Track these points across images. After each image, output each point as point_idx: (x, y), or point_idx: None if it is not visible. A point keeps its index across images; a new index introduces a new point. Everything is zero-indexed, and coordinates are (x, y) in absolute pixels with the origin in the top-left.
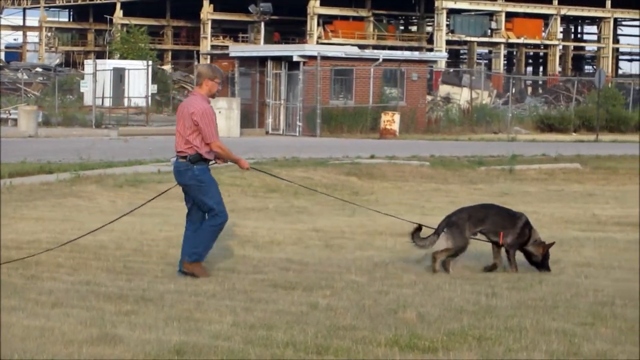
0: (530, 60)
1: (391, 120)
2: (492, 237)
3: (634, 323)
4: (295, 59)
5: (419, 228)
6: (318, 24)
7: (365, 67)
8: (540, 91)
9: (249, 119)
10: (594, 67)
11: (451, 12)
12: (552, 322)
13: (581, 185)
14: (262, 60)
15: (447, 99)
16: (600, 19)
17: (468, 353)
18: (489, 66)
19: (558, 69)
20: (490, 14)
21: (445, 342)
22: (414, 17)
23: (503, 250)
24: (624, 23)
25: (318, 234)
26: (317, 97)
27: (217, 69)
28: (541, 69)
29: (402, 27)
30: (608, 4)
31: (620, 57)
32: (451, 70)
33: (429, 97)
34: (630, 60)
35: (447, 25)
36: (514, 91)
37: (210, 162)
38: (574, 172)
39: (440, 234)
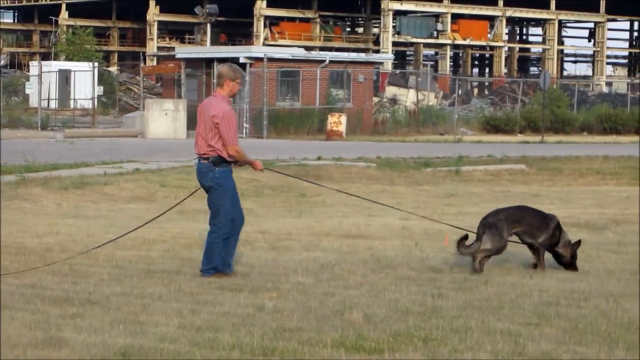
0: (476, 62)
1: (338, 122)
2: (527, 238)
3: (578, 323)
4: (241, 60)
5: (465, 237)
6: (265, 26)
7: (311, 69)
8: (486, 92)
9: (196, 120)
10: (539, 68)
11: (397, 13)
12: (498, 322)
13: (527, 186)
14: (209, 62)
15: (393, 101)
16: (545, 20)
17: (414, 354)
18: (435, 68)
19: (504, 70)
20: (436, 16)
21: (391, 343)
22: (360, 19)
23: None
24: (568, 25)
25: (264, 235)
26: (263, 99)
27: (238, 69)
28: (487, 70)
29: (348, 29)
30: (552, 5)
31: (565, 58)
32: (397, 71)
33: (375, 99)
34: (575, 62)
35: (394, 27)
36: (460, 92)
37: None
38: (519, 173)
39: (481, 238)
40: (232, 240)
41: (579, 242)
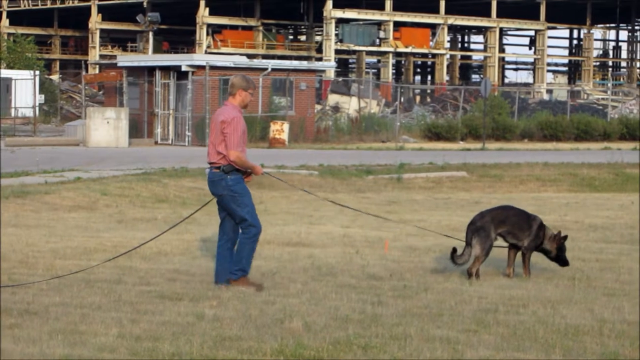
0: (419, 69)
1: (280, 130)
2: (510, 239)
3: (516, 329)
4: (183, 68)
5: (455, 250)
6: (207, 34)
7: (254, 77)
8: (428, 100)
9: (138, 129)
10: (481, 76)
11: (340, 21)
12: (437, 329)
13: (468, 193)
14: (151, 70)
15: (336, 108)
16: (487, 28)
17: None
18: (377, 75)
19: (446, 77)
20: (379, 24)
21: (331, 351)
22: (303, 27)
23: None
24: (509, 32)
25: (206, 244)
26: (206, 107)
27: (250, 80)
28: (429, 77)
29: (291, 37)
30: (494, 14)
31: (506, 66)
32: (340, 79)
33: (317, 107)
34: (516, 69)
35: (336, 35)
36: (402, 100)
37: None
38: (460, 181)
39: (471, 243)
40: (229, 253)
41: (565, 237)
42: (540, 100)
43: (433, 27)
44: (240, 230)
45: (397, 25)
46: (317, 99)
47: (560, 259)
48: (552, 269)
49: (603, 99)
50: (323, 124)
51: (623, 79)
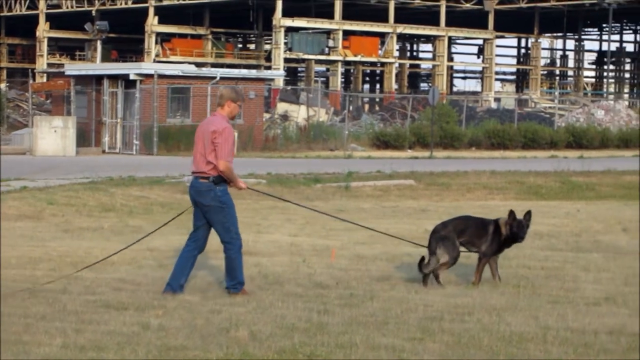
0: (367, 78)
1: None
2: (470, 247)
3: (461, 337)
4: (131, 77)
5: (422, 259)
6: (156, 42)
7: (202, 85)
8: (377, 108)
9: (85, 137)
10: (430, 84)
11: (289, 30)
12: (382, 337)
13: (415, 201)
14: (99, 79)
15: (284, 117)
16: (435, 37)
17: None
18: (326, 84)
19: (394, 86)
20: (328, 32)
21: None
22: (252, 35)
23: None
24: (457, 41)
25: (152, 253)
26: (154, 116)
27: (240, 91)
28: (378, 86)
29: (240, 45)
30: (442, 23)
31: (455, 74)
32: (289, 88)
33: (266, 115)
34: (464, 78)
35: (285, 44)
36: (350, 108)
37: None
38: (408, 189)
39: (436, 252)
40: (193, 260)
41: (524, 216)
42: (488, 108)
43: (382, 35)
44: (224, 244)
45: (346, 34)
46: (266, 108)
47: (518, 236)
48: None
49: (550, 107)
50: (272, 133)
51: (570, 87)
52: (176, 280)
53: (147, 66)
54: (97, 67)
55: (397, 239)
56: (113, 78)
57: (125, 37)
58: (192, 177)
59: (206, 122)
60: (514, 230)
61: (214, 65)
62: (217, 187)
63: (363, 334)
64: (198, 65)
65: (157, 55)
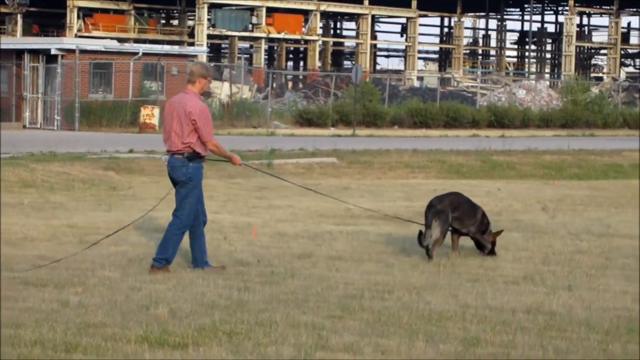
0: (291, 55)
1: (151, 115)
2: (457, 224)
3: (381, 315)
4: (53, 52)
5: (420, 233)
6: (78, 17)
7: (125, 61)
8: (300, 86)
9: (6, 112)
10: (353, 62)
11: (212, 6)
12: (303, 315)
13: (337, 179)
14: (19, 53)
15: (207, 94)
16: (359, 15)
17: (218, 348)
18: (249, 61)
19: (318, 64)
20: (251, 9)
21: (196, 337)
22: (175, 11)
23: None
24: (381, 20)
25: (73, 230)
26: (75, 91)
27: (210, 67)
28: (301, 64)
29: (163, 21)
30: (366, 1)
31: (378, 53)
32: (212, 64)
33: None
34: (388, 56)
35: (209, 20)
36: (274, 86)
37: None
38: (330, 167)
39: (432, 225)
40: (199, 236)
41: (500, 232)
42: (410, 87)
43: (306, 13)
44: (173, 216)
45: (270, 11)
46: None
47: (492, 251)
48: (418, 256)
49: (472, 86)
50: None
51: (492, 67)
52: (199, 259)
53: (69, 41)
54: (18, 41)
55: (399, 219)
56: (34, 53)
57: (47, 12)
58: (169, 156)
59: (178, 100)
60: (493, 242)
61: (136, 41)
62: (190, 164)
63: (283, 312)
64: (120, 40)
65: (79, 30)
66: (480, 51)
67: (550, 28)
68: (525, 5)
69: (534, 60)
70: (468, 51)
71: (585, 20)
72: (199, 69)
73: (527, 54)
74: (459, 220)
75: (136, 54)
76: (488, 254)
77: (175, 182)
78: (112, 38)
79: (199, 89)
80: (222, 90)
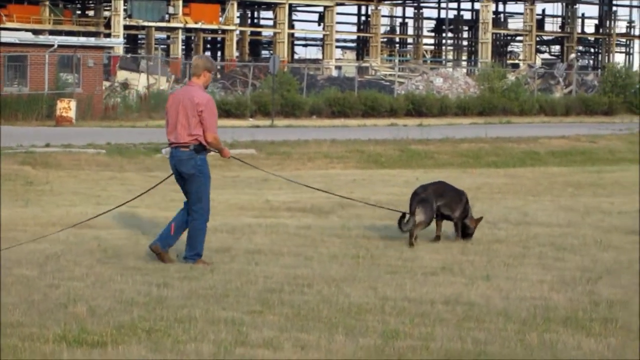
0: (209, 46)
1: (67, 108)
2: (446, 211)
3: (301, 309)
4: None
5: (403, 216)
6: None
7: (40, 53)
8: (218, 76)
9: None
10: (271, 52)
11: None
12: (222, 311)
13: (256, 171)
14: None
15: (125, 85)
16: (276, 4)
17: (137, 346)
18: (167, 52)
19: (236, 54)
20: None
21: (115, 335)
22: (91, 2)
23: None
24: (299, 9)
25: None
26: None
27: (214, 61)
28: (219, 54)
29: (79, 12)
30: None
31: (296, 42)
32: (129, 55)
33: (106, 83)
34: (306, 46)
35: (125, 10)
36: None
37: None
38: (249, 158)
39: (416, 211)
40: (182, 225)
41: (480, 218)
42: (329, 76)
43: (223, 2)
44: (192, 212)
45: (187, 1)
46: (106, 76)
47: (471, 235)
48: (337, 248)
49: (390, 75)
50: (112, 101)
51: (410, 55)
52: (163, 242)
53: None
54: None
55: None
56: None
57: None
58: (171, 148)
59: (184, 93)
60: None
61: (51, 33)
62: (198, 156)
63: (203, 308)
64: (35, 32)
65: None
66: (397, 39)
67: (467, 15)
68: None
69: (451, 48)
70: (385, 39)
71: (501, 8)
72: (204, 63)
73: (444, 41)
74: (447, 206)
75: (52, 46)
76: (466, 238)
77: (182, 176)
78: (26, 30)
79: (204, 82)
80: (139, 81)
